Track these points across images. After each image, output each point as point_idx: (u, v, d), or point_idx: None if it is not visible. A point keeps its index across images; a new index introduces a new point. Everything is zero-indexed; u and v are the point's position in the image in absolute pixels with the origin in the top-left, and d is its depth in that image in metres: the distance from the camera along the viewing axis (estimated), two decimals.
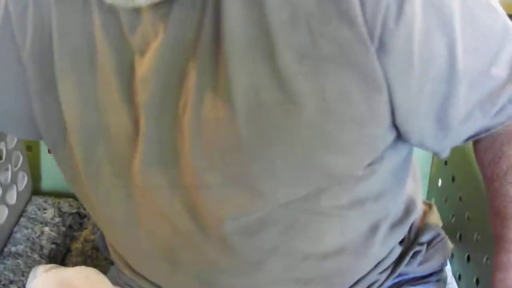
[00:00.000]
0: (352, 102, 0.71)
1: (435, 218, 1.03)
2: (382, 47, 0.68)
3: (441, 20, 0.69)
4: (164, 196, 0.79)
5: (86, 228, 1.34)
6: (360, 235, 0.85)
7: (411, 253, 0.94)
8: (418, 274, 0.98)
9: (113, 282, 0.98)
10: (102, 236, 1.07)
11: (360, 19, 0.67)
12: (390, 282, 0.94)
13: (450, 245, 1.03)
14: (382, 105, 0.71)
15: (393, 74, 0.69)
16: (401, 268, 0.94)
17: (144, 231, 0.82)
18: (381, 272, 0.92)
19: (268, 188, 0.75)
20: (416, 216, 0.95)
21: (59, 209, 1.38)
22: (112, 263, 1.07)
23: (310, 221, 0.79)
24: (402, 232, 0.92)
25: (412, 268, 0.96)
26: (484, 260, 1.02)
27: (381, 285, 0.93)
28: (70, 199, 1.40)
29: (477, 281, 1.06)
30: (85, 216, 1.38)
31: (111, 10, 0.73)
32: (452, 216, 1.20)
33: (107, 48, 0.75)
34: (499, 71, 0.74)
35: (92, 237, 1.30)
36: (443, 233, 1.01)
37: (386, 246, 0.90)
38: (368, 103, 0.71)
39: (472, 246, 1.09)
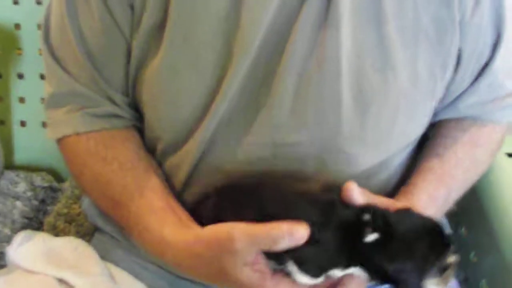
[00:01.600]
0: (435, 76, 0.80)
1: None
2: (462, 28, 0.79)
3: (497, 20, 0.82)
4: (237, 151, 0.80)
5: (59, 202, 1.33)
6: None
7: None
8: None
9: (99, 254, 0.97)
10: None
11: (455, 2, 0.77)
12: None
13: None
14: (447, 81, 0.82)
15: (465, 50, 0.81)
16: None
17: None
18: None
19: (354, 150, 0.80)
20: None
21: (32, 183, 1.36)
22: (93, 233, 1.06)
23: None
24: None
25: None
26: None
27: None
28: (43, 173, 1.39)
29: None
30: (58, 189, 1.36)
31: None
32: None
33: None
34: (510, 84, 0.88)
35: (65, 210, 1.28)
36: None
37: None
38: (444, 78, 0.81)
39: None
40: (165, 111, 0.82)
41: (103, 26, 0.82)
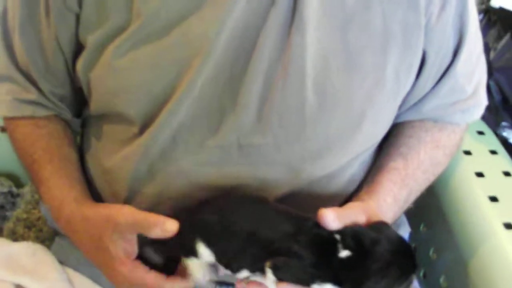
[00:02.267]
0: (400, 79, 0.82)
1: None
2: (427, 32, 0.81)
3: (460, 25, 0.85)
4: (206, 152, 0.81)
5: (18, 207, 1.31)
6: None
7: None
8: None
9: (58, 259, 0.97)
10: None
11: (422, 6, 0.78)
12: None
13: (406, 224, 1.10)
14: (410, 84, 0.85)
15: (429, 54, 0.83)
16: None
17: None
18: None
19: (319, 153, 0.81)
20: None
21: None
22: (53, 237, 1.05)
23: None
24: None
25: None
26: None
27: None
28: (2, 178, 1.36)
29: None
30: (17, 195, 1.34)
31: None
32: None
33: None
34: (470, 88, 0.92)
35: (25, 216, 1.26)
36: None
37: None
38: (409, 81, 0.83)
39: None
40: (120, 105, 0.82)
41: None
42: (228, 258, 0.76)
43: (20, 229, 1.23)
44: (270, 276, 0.73)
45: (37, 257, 0.95)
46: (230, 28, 0.74)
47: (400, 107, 0.88)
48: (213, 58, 0.75)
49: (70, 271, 0.95)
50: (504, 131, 1.27)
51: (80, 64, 0.82)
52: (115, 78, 0.80)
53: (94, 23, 0.79)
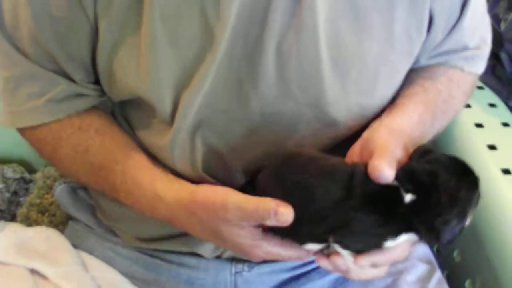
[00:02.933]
0: (412, 38, 0.81)
1: None
2: None
3: None
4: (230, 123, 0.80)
5: (31, 193, 1.31)
6: None
7: None
8: None
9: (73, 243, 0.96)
10: (67, 191, 1.04)
11: None
12: None
13: None
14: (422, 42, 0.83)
15: (435, 10, 0.82)
16: None
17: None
18: None
19: (340, 115, 0.81)
20: None
21: (3, 175, 1.34)
22: (67, 222, 1.05)
23: None
24: None
25: None
26: None
27: None
28: (14, 164, 1.37)
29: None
30: (30, 181, 1.35)
31: None
32: None
33: None
34: (473, 43, 0.91)
35: (38, 201, 1.27)
36: None
37: None
38: (420, 39, 0.83)
39: None
40: (144, 92, 0.80)
41: (66, 4, 0.77)
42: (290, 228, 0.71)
43: (34, 214, 1.24)
44: (340, 250, 0.71)
45: (51, 241, 0.94)
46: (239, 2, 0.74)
47: None
48: (228, 27, 0.74)
49: (84, 255, 0.95)
50: None
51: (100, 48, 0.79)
52: (137, 60, 0.78)
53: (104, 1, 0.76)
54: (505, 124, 1.14)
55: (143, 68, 0.78)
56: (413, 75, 0.89)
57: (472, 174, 0.70)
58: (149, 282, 0.94)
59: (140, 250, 0.95)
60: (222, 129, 0.82)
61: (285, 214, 0.68)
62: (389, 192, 0.68)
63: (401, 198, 0.67)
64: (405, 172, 0.69)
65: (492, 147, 1.06)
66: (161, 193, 0.79)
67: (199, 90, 0.77)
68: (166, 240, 0.92)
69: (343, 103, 0.80)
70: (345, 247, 0.70)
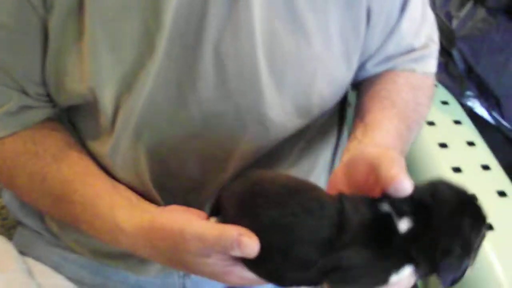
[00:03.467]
0: (348, 39, 0.81)
1: None
2: None
3: None
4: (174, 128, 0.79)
5: None
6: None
7: None
8: None
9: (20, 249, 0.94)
10: (15, 196, 1.00)
11: None
12: None
13: None
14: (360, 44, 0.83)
15: (374, 10, 0.81)
16: None
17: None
18: None
19: (278, 117, 0.80)
20: None
21: None
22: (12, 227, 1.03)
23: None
24: None
25: None
26: None
27: None
28: None
29: None
30: None
31: None
32: None
33: None
34: (418, 43, 0.90)
35: None
36: None
37: None
38: (358, 41, 0.82)
39: None
40: (89, 97, 0.78)
41: (16, 11, 0.75)
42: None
43: None
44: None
45: None
46: (179, 1, 0.73)
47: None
48: (165, 31, 0.73)
49: (31, 261, 0.92)
50: (468, 101, 1.27)
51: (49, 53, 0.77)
52: (82, 66, 0.76)
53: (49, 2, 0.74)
54: (457, 122, 1.15)
55: (86, 74, 0.76)
56: (376, 87, 0.88)
57: (474, 203, 0.62)
58: (97, 286, 0.93)
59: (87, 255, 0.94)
60: (164, 135, 0.80)
61: (249, 245, 0.61)
62: (384, 221, 0.60)
63: (395, 226, 0.59)
64: (398, 198, 0.61)
65: (443, 145, 1.07)
66: (120, 223, 0.74)
67: (139, 95, 0.76)
68: (117, 258, 0.90)
69: (281, 105, 0.80)
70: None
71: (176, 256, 0.68)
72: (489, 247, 0.92)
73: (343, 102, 0.94)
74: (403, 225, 0.59)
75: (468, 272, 0.62)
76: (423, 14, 0.91)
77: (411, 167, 1.07)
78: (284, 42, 0.77)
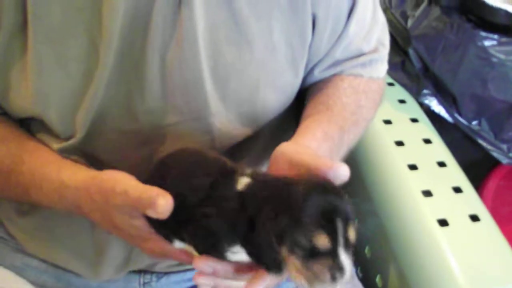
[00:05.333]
0: (293, 45, 0.81)
1: None
2: None
3: None
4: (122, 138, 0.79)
5: None
6: None
7: None
8: None
9: None
10: None
11: None
12: None
13: None
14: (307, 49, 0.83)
15: (319, 16, 0.81)
16: None
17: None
18: None
19: (224, 126, 0.80)
20: None
21: None
22: None
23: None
24: None
25: None
26: None
27: None
28: None
29: None
30: None
31: None
32: None
33: None
34: (367, 47, 0.90)
35: None
36: None
37: None
38: (304, 47, 0.82)
39: None
40: (35, 112, 0.79)
41: None
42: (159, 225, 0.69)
43: None
44: (190, 248, 0.68)
45: None
46: (123, 13, 0.73)
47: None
48: (113, 44, 0.73)
49: None
50: (426, 99, 1.28)
51: None
52: (26, 83, 0.77)
53: None
54: (414, 120, 1.16)
55: (30, 90, 0.77)
56: (316, 92, 0.89)
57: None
58: None
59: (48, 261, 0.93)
60: (114, 143, 0.81)
61: (161, 205, 0.64)
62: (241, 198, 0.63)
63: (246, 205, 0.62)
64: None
65: (399, 143, 1.08)
66: (66, 181, 0.76)
67: (89, 109, 0.76)
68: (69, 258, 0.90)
69: (225, 113, 0.80)
70: (195, 247, 0.67)
71: (108, 212, 0.71)
72: (445, 243, 0.93)
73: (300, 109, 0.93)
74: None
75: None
76: (373, 17, 0.91)
77: (367, 165, 1.08)
78: (226, 51, 0.77)
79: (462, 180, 1.06)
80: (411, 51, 1.27)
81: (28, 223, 0.90)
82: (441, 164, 1.07)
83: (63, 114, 0.78)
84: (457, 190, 1.03)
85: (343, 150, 0.86)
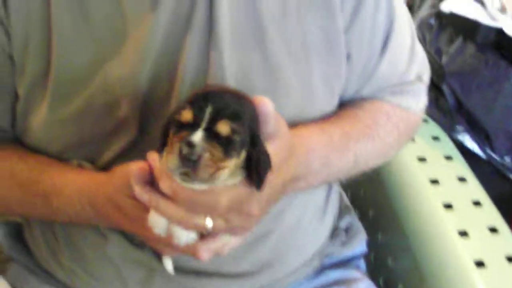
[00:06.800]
0: (333, 86, 0.80)
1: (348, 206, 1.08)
2: (347, 31, 0.79)
3: (387, 25, 0.84)
4: None
5: None
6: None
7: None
8: (341, 257, 1.01)
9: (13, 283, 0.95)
10: (8, 232, 1.01)
11: (338, 8, 0.76)
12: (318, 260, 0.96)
13: (363, 231, 1.06)
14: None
15: (353, 56, 0.81)
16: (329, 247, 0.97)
17: None
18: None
19: None
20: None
21: None
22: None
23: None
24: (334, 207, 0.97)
25: (335, 249, 0.98)
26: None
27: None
28: None
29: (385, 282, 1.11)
30: None
31: None
32: None
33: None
34: (410, 77, 0.91)
35: None
36: (357, 220, 1.05)
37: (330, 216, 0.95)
38: (339, 84, 0.81)
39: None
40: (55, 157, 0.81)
41: None
42: None
43: None
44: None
45: None
46: (151, 62, 0.74)
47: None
48: (140, 95, 0.74)
49: None
50: (459, 135, 1.28)
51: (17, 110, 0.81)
52: (46, 131, 0.79)
53: (19, 68, 0.77)
54: (448, 157, 1.16)
55: (51, 142, 0.80)
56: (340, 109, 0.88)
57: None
58: None
59: None
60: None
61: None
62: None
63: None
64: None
65: (434, 181, 1.07)
66: (87, 180, 0.78)
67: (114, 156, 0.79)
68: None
69: None
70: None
71: (115, 196, 0.71)
72: (482, 285, 0.92)
73: None
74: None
75: None
76: (411, 53, 0.90)
77: (402, 202, 1.08)
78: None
79: (497, 219, 1.05)
80: (445, 88, 1.27)
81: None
82: (476, 203, 1.06)
83: (86, 158, 0.80)
84: (493, 230, 1.02)
85: (348, 156, 0.85)
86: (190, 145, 0.60)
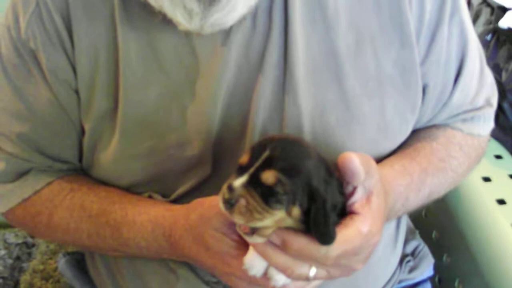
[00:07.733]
0: (407, 120, 0.80)
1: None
2: (423, 63, 0.79)
3: (460, 43, 0.82)
4: None
5: (34, 258, 1.29)
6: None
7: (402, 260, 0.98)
8: (409, 283, 1.00)
9: None
10: (71, 263, 1.02)
11: (414, 41, 0.75)
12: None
13: (430, 255, 1.04)
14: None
15: (429, 86, 0.81)
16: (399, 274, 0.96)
17: None
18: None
19: None
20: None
21: (4, 241, 1.33)
22: None
23: None
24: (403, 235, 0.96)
25: (404, 275, 0.98)
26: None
27: None
28: (16, 229, 1.35)
29: None
30: (33, 245, 1.33)
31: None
32: None
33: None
34: (480, 103, 0.90)
35: (42, 267, 1.25)
36: (423, 244, 1.04)
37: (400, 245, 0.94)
38: (414, 118, 0.81)
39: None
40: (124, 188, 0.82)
41: (50, 106, 0.80)
42: None
43: (38, 281, 1.22)
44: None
45: None
46: (222, 100, 0.74)
47: None
48: (213, 134, 0.75)
49: None
50: None
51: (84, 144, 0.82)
52: (115, 166, 0.80)
53: (85, 104, 0.78)
54: None
55: (120, 176, 0.82)
56: (412, 136, 0.88)
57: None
58: None
59: None
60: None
61: None
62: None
63: None
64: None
65: (501, 202, 1.05)
66: (163, 210, 0.78)
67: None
68: None
69: None
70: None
71: (201, 232, 0.70)
72: None
73: None
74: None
75: None
76: (480, 79, 0.89)
77: (469, 224, 1.05)
78: (337, 134, 0.75)
79: None
80: (505, 105, 1.24)
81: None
82: None
83: (157, 192, 0.81)
84: None
85: (424, 192, 0.84)
86: (230, 189, 0.60)
